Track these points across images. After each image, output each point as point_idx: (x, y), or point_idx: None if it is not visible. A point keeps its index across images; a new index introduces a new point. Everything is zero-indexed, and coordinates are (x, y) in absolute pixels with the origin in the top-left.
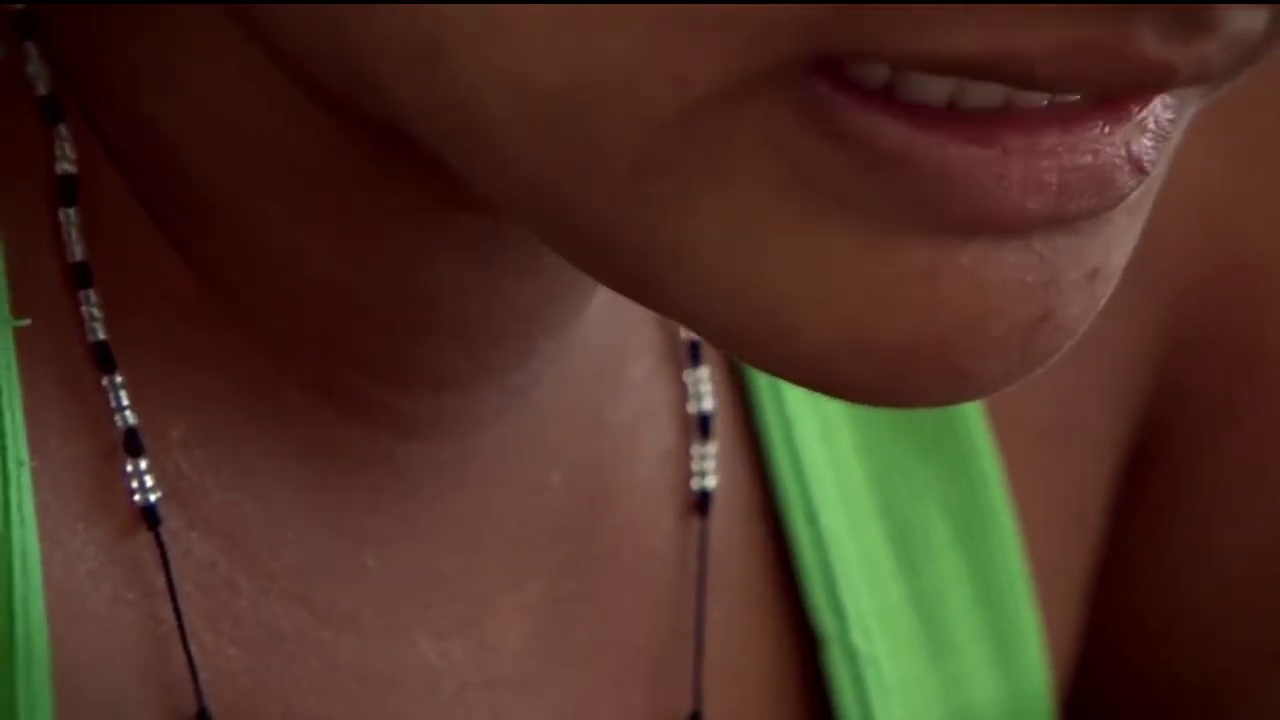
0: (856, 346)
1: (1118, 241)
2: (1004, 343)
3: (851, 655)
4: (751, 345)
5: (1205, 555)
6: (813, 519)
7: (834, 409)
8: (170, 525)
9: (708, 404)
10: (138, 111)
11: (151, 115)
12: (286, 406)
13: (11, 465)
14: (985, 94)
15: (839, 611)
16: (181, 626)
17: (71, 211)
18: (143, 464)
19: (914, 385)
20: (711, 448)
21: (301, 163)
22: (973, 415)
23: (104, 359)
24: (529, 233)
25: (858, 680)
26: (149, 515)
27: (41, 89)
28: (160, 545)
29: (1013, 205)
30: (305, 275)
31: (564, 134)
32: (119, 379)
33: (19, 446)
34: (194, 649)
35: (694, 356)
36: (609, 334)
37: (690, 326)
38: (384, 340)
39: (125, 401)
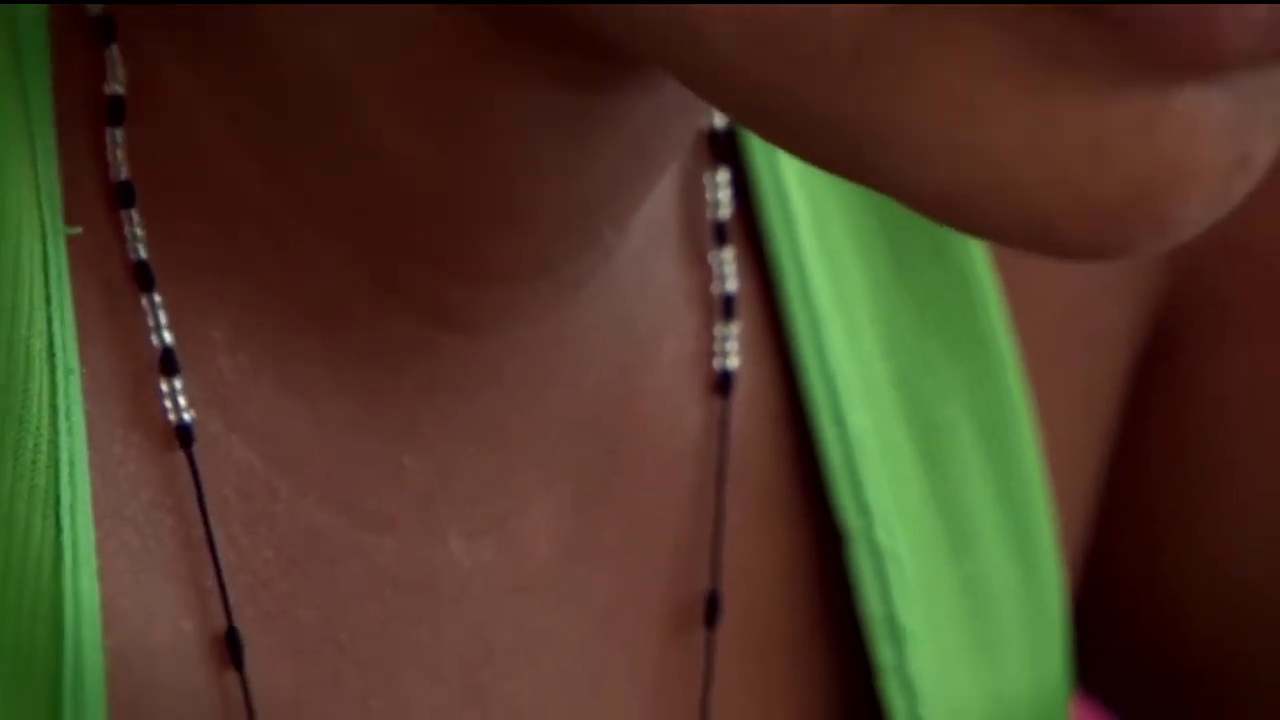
0: (1078, 204)
1: None
2: (1207, 186)
3: (875, 552)
4: (970, 213)
5: (1216, 456)
6: (838, 415)
7: (860, 306)
8: (210, 430)
9: (731, 285)
10: (223, 17)
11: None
12: (337, 303)
13: (60, 373)
14: None
15: (863, 508)
16: (211, 541)
17: (118, 131)
18: (178, 383)
19: (1126, 238)
20: (734, 328)
21: (412, 49)
22: (995, 311)
23: (144, 277)
24: (611, 112)
25: (881, 576)
26: (182, 434)
27: (94, 9)
28: (192, 464)
29: (1226, 43)
30: (387, 160)
31: (784, 25)
32: (158, 298)
33: (69, 355)
34: (231, 555)
35: (719, 238)
36: (640, 226)
37: (899, 197)
38: (452, 229)
39: (164, 320)
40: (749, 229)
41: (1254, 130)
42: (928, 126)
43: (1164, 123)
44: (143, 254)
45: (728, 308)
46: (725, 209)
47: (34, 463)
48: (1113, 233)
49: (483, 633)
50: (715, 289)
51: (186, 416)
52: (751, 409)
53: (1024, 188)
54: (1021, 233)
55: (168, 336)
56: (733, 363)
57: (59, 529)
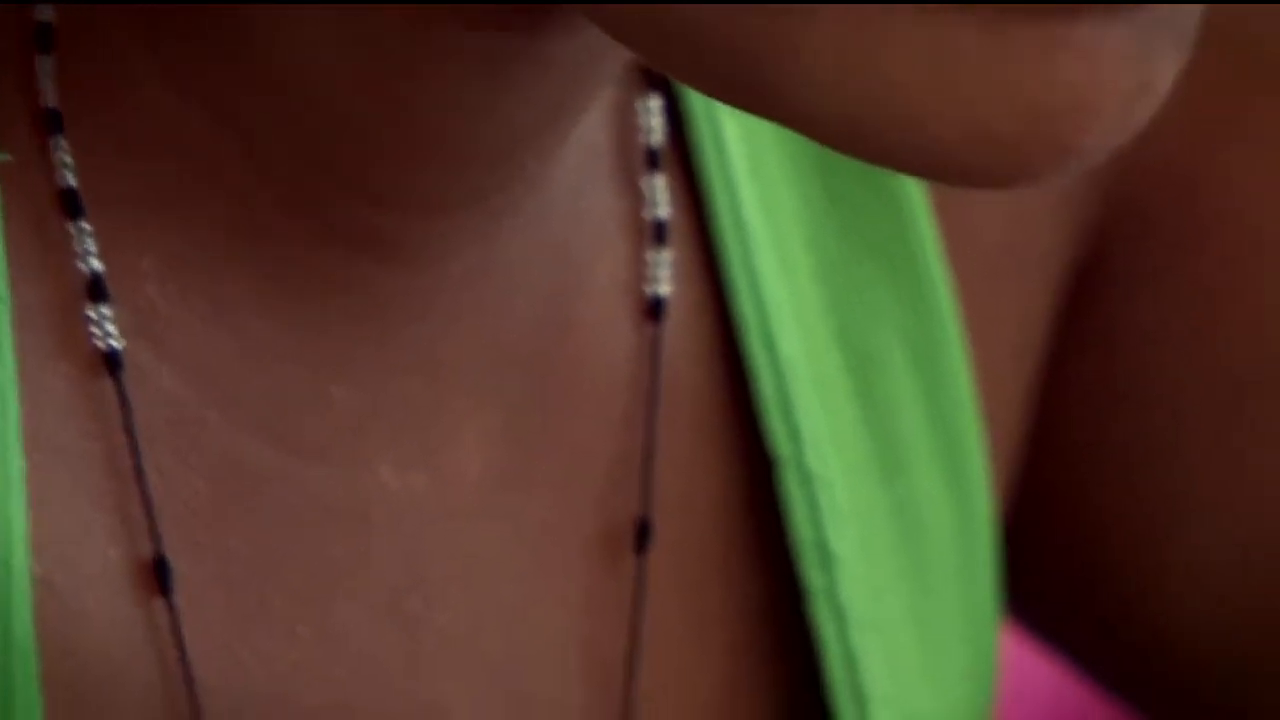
0: (976, 132)
1: (1193, 11)
2: (1109, 115)
3: (806, 477)
4: (870, 139)
5: (1145, 384)
6: (769, 341)
7: (793, 232)
8: (139, 359)
9: (663, 211)
10: None
11: None
12: (268, 233)
13: None
14: None
15: (794, 433)
16: (139, 469)
17: (47, 59)
18: (106, 310)
19: (1026, 166)
20: (666, 255)
21: None
22: (927, 238)
23: (73, 205)
24: (539, 51)
25: (811, 501)
26: (111, 362)
27: None
28: (121, 392)
29: None
30: (312, 92)
31: None
32: (87, 226)
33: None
34: (160, 484)
35: (651, 165)
36: (572, 154)
37: (802, 128)
38: (379, 161)
39: (92, 248)
40: (681, 155)
41: (1152, 59)
42: (826, 50)
43: (1063, 52)
44: (71, 181)
45: (659, 234)
46: (657, 135)
47: None
48: (1013, 161)
49: (414, 560)
50: (647, 215)
51: (115, 344)
52: (684, 335)
53: (924, 116)
54: (922, 161)
55: (96, 264)
56: (664, 289)
57: None
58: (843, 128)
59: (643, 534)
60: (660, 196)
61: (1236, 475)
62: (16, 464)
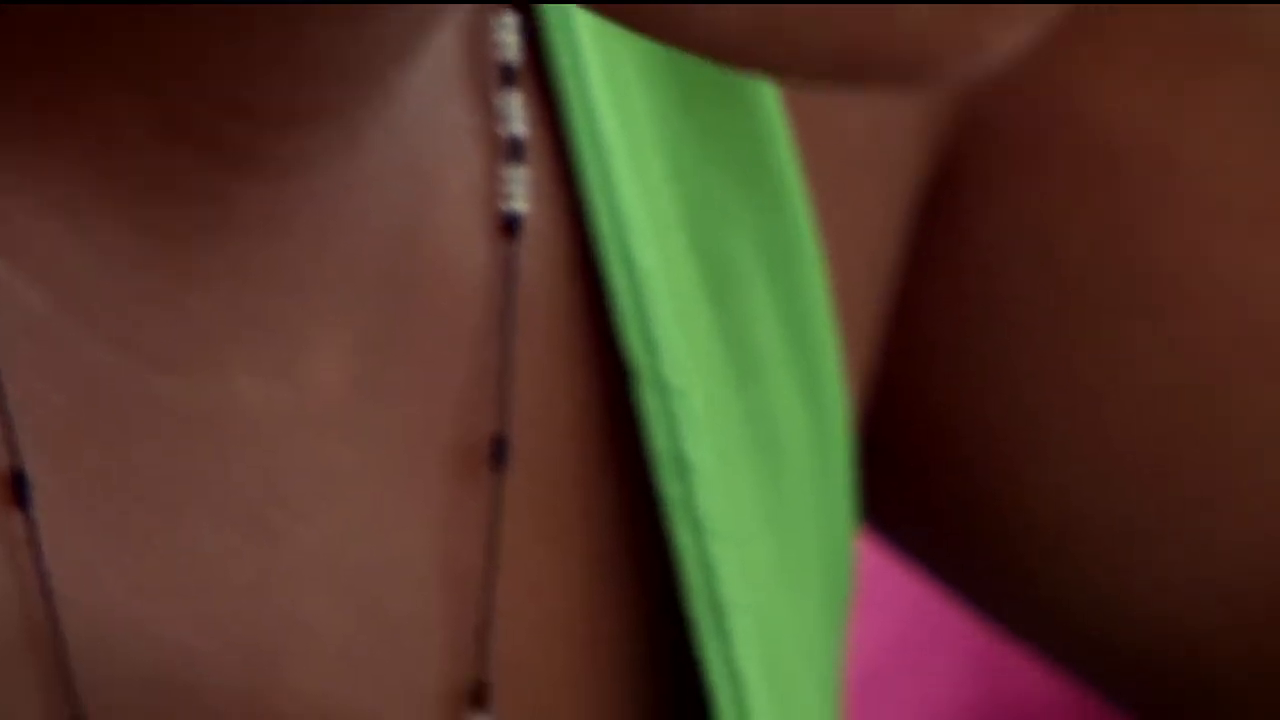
0: (886, 27)
1: None
2: (1015, 7)
3: (663, 389)
4: (770, 47)
5: (997, 298)
6: (626, 255)
7: (648, 142)
8: None
9: (519, 128)
10: None
11: None
12: (127, 145)
13: None
14: None
15: (651, 346)
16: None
17: None
18: None
19: (935, 61)
20: (521, 172)
21: None
22: (783, 146)
23: None
24: None
25: (668, 413)
26: None
27: None
28: None
29: None
30: (171, 4)
31: None
32: None
33: None
34: (16, 395)
35: (507, 80)
36: (429, 70)
37: (681, 40)
38: (232, 70)
39: None
40: (537, 72)
41: None
42: None
43: None
44: None
45: (516, 150)
46: (513, 51)
47: None
48: (921, 56)
49: (271, 473)
50: (503, 132)
51: None
52: (541, 251)
53: (832, 11)
54: (831, 60)
55: None
56: (520, 205)
57: None
58: (741, 34)
59: (499, 449)
60: (516, 113)
61: (1083, 391)
62: None
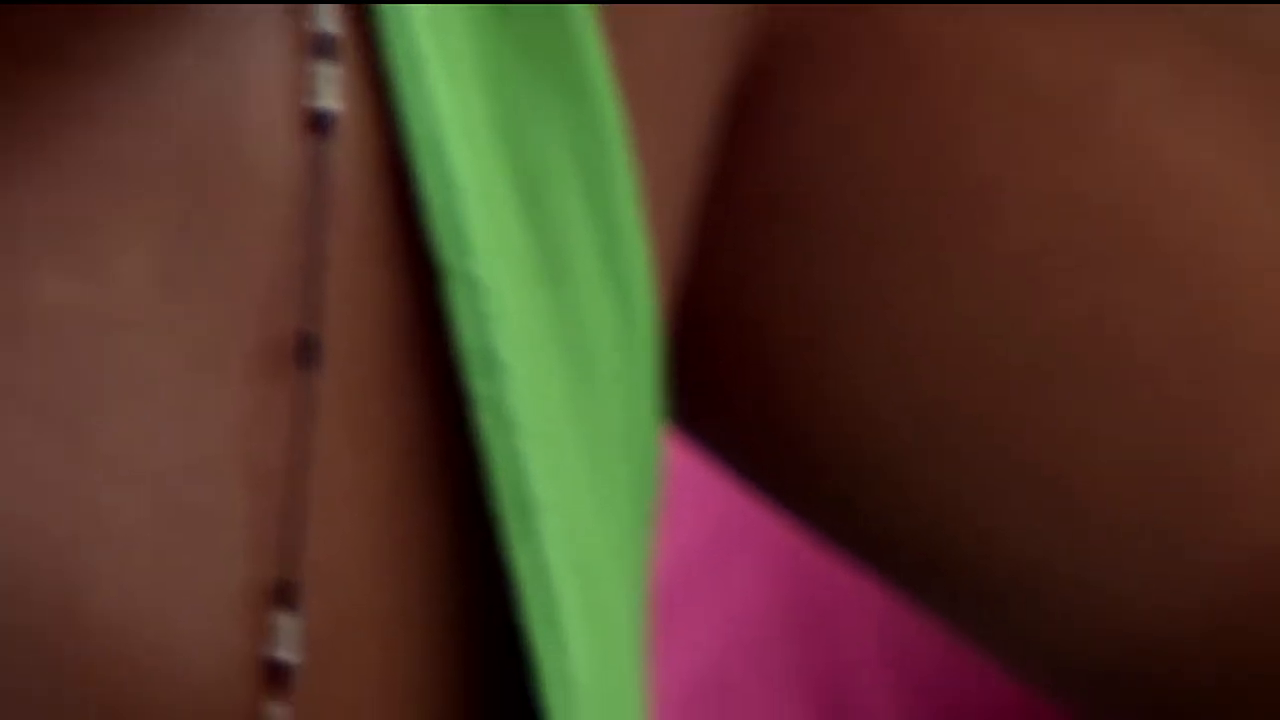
0: None
1: None
2: None
3: (473, 286)
4: None
5: (805, 207)
6: (438, 154)
7: (462, 44)
8: None
9: (330, 26)
10: None
11: None
12: None
13: None
14: None
15: (462, 244)
16: None
17: None
18: None
19: None
20: (333, 69)
21: None
22: (595, 52)
23: None
24: None
25: (478, 311)
26: None
27: None
28: None
29: None
30: None
31: None
32: None
33: None
34: None
35: None
36: None
37: None
38: None
39: None
40: None
41: None
42: None
43: None
44: None
45: (325, 46)
46: None
47: None
48: None
49: (75, 371)
50: (313, 28)
51: None
52: (352, 150)
53: None
54: None
55: None
56: (330, 102)
57: None
58: None
59: (306, 346)
60: (326, 11)
61: (889, 300)
62: None
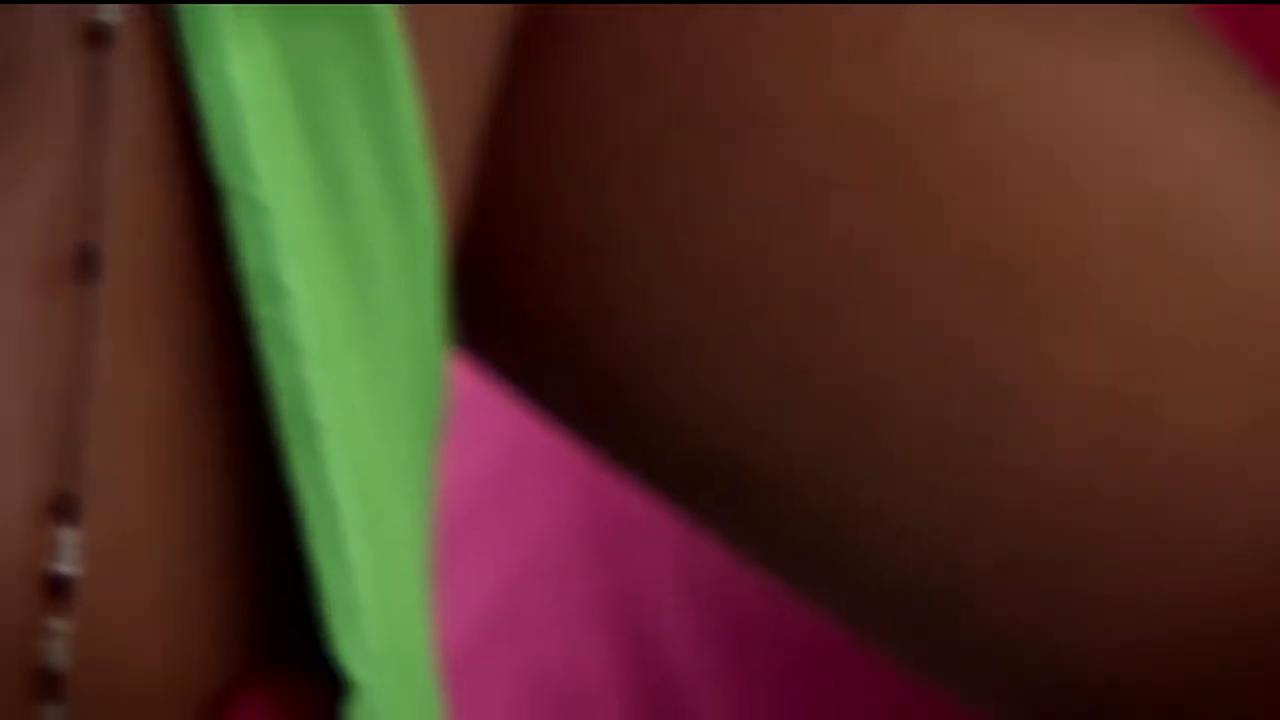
0: None
1: None
2: None
3: (254, 208)
4: None
5: (590, 125)
6: (218, 73)
7: None
8: None
9: None
10: None
11: None
12: None
13: None
14: None
15: (243, 165)
16: None
17: None
18: None
19: None
20: None
21: None
22: None
23: None
24: None
25: (260, 233)
26: None
27: None
28: None
29: None
30: None
31: None
32: None
33: None
34: None
35: None
36: None
37: None
38: None
39: None
40: None
41: None
42: None
43: None
44: None
45: None
46: None
47: None
48: None
49: None
50: None
51: None
52: (133, 65)
53: None
54: None
55: None
56: (108, 15)
57: None
58: None
59: (86, 261)
60: None
61: (672, 216)
62: None
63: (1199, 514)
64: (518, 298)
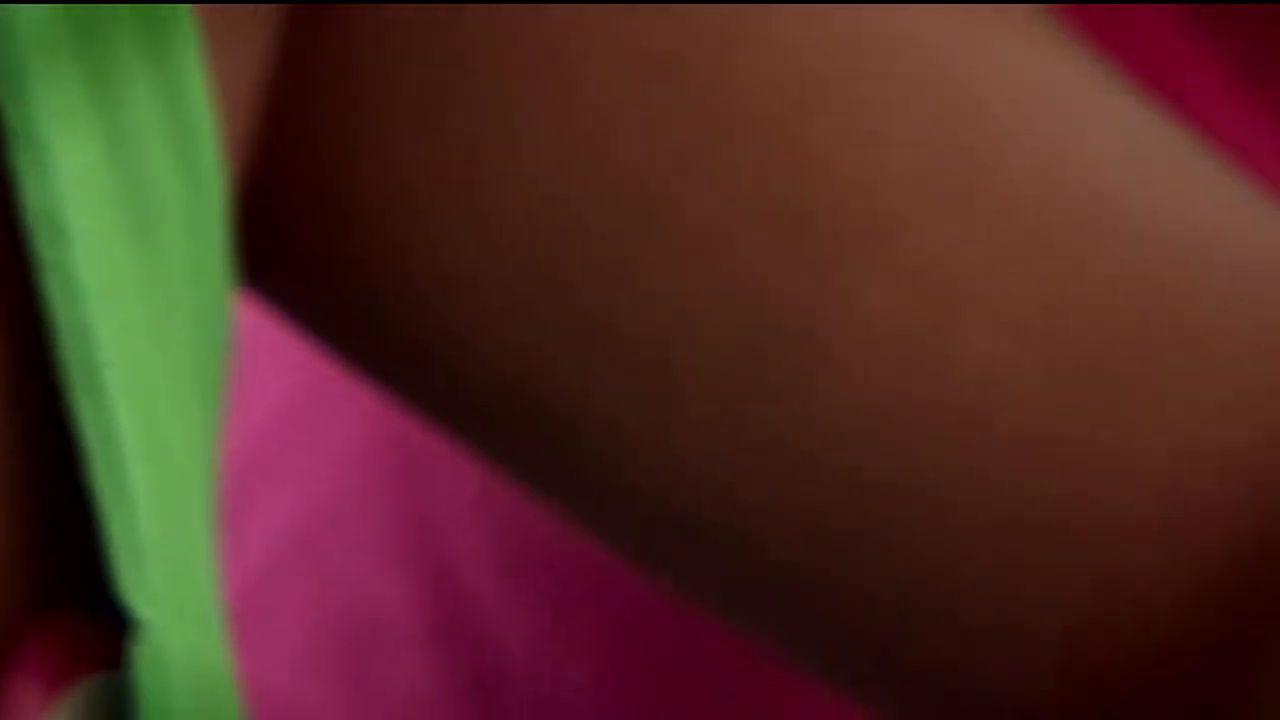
0: None
1: None
2: None
3: (36, 148)
4: None
5: (380, 62)
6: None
7: None
8: None
9: None
10: None
11: None
12: None
13: None
14: None
15: (23, 104)
16: None
17: None
18: None
19: None
20: None
21: None
22: None
23: None
24: None
25: (42, 173)
26: None
27: None
28: None
29: None
30: None
31: None
32: None
33: None
34: None
35: None
36: None
37: None
38: None
39: None
40: None
41: None
42: None
43: None
44: None
45: None
46: None
47: None
48: None
49: None
50: None
51: None
52: None
53: None
54: None
55: None
56: None
57: None
58: None
59: None
60: None
61: (462, 154)
62: None
63: (1000, 461)
64: (308, 238)
